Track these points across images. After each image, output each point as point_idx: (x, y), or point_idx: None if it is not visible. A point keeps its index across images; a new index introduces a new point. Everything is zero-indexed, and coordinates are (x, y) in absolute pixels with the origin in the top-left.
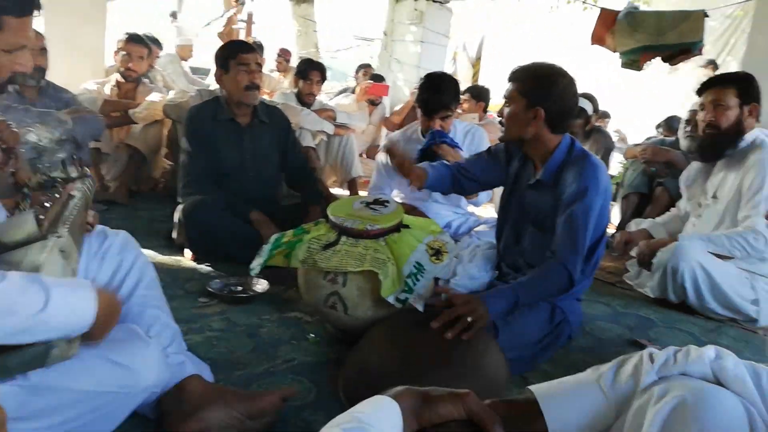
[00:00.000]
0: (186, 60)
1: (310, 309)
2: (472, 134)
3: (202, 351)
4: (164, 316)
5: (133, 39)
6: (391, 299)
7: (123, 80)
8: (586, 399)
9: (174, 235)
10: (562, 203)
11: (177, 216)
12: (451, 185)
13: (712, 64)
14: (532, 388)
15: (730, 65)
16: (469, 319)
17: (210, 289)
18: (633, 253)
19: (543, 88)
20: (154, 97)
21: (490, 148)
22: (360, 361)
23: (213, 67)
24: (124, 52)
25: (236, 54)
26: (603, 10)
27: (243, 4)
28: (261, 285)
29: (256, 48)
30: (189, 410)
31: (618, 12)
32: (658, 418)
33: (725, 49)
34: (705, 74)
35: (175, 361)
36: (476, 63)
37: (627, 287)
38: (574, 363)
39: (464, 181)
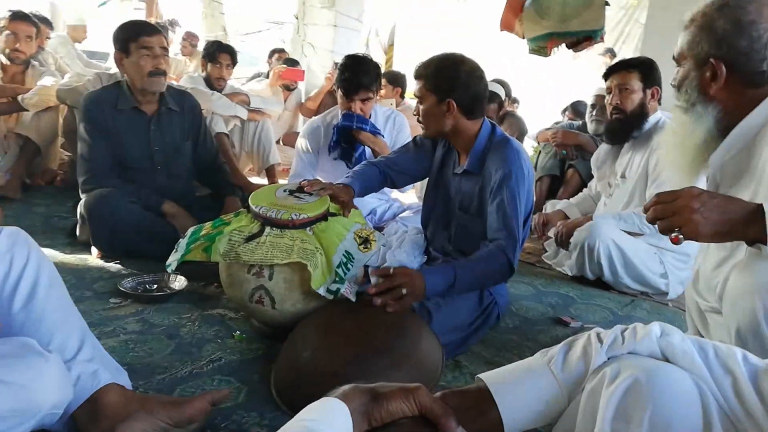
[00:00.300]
0: (79, 42)
1: (234, 305)
2: (393, 119)
3: (117, 356)
4: (71, 318)
5: (19, 16)
6: (321, 291)
7: (9, 63)
8: (537, 384)
9: (77, 232)
10: (489, 191)
11: (79, 211)
12: (381, 183)
13: (610, 52)
14: (482, 376)
15: (626, 53)
16: (404, 290)
17: (122, 289)
18: (551, 233)
19: (448, 80)
20: (47, 81)
21: (415, 138)
22: (292, 356)
23: (111, 50)
24: (8, 32)
25: (138, 36)
26: None
27: None
28: (179, 282)
29: (162, 29)
30: (107, 424)
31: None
32: (612, 401)
33: (620, 38)
34: (604, 62)
35: (87, 371)
36: (389, 49)
37: (546, 266)
38: (504, 343)
39: (394, 175)
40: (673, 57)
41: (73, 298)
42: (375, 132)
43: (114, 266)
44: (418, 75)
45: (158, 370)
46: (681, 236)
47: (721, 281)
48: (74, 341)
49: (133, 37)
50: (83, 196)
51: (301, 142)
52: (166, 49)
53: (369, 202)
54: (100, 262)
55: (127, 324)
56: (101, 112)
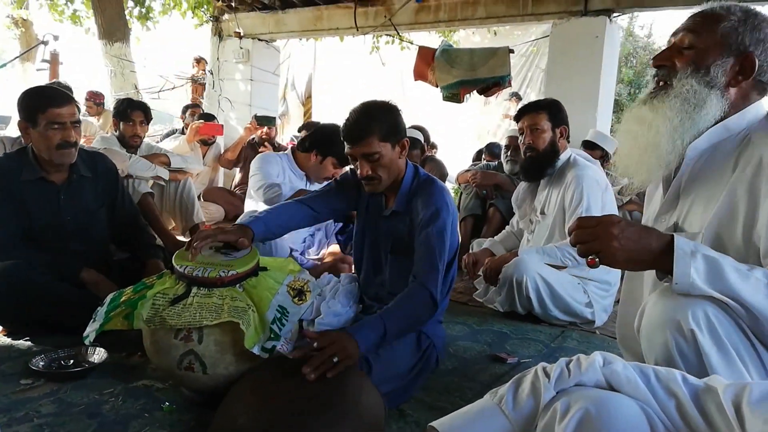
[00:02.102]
0: None
1: (161, 374)
2: None
3: None
4: None
5: None
6: (256, 350)
7: None
8: (490, 425)
9: None
10: (417, 228)
11: None
12: (302, 217)
13: (516, 96)
14: (434, 424)
15: (531, 96)
16: (335, 359)
17: (33, 368)
18: (480, 271)
19: (395, 123)
20: None
21: (336, 179)
22: (228, 424)
23: (15, 116)
24: None
25: (47, 108)
26: (421, 47)
27: (46, 43)
28: (98, 354)
29: (70, 96)
30: None
31: (435, 50)
32: None
33: (524, 82)
34: (510, 106)
35: None
36: (307, 101)
37: (478, 304)
38: (445, 386)
39: (317, 207)
40: (675, 33)
41: None
42: None
43: (23, 343)
44: (363, 133)
45: None
46: (597, 260)
47: (637, 316)
48: None
49: (42, 108)
50: None
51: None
52: (78, 121)
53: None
54: (7, 340)
55: (41, 406)
56: (4, 180)
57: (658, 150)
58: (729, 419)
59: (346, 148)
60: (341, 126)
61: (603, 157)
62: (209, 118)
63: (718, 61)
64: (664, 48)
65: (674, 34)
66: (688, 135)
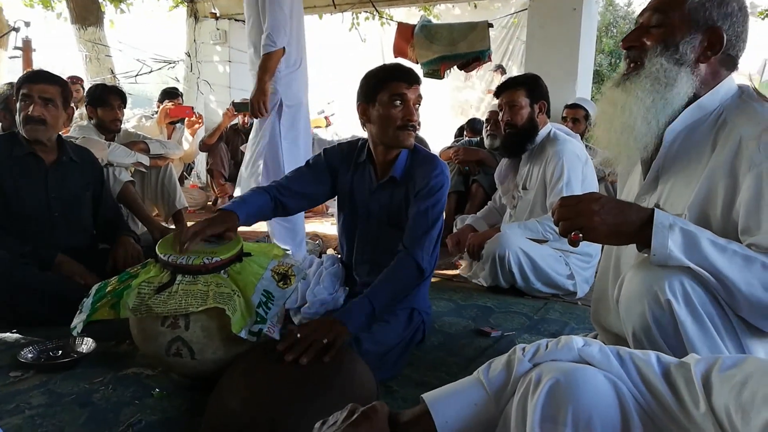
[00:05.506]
0: None
1: (150, 361)
2: None
3: None
4: None
5: None
6: (243, 334)
7: None
8: (468, 394)
9: None
10: (414, 198)
11: None
12: (272, 211)
13: (501, 68)
14: (423, 396)
15: (512, 69)
16: (324, 341)
17: (22, 360)
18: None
19: None
20: None
21: (308, 161)
22: (221, 408)
23: None
24: None
25: (22, 83)
26: (399, 24)
27: (17, 30)
28: (86, 344)
29: (53, 77)
30: None
31: (414, 26)
32: (538, 405)
33: (506, 55)
34: (495, 77)
35: None
36: None
37: (463, 280)
38: (431, 362)
39: (286, 200)
40: (642, 13)
41: None
42: None
43: (10, 336)
44: (419, 77)
45: None
46: (581, 235)
47: (617, 287)
48: None
49: (20, 83)
50: None
51: None
52: (48, 99)
53: None
54: None
55: (32, 398)
56: None
57: (633, 132)
58: (696, 392)
59: (402, 87)
60: (387, 66)
61: (586, 116)
62: (173, 95)
63: (687, 38)
64: (632, 29)
65: (641, 14)
66: (662, 115)
